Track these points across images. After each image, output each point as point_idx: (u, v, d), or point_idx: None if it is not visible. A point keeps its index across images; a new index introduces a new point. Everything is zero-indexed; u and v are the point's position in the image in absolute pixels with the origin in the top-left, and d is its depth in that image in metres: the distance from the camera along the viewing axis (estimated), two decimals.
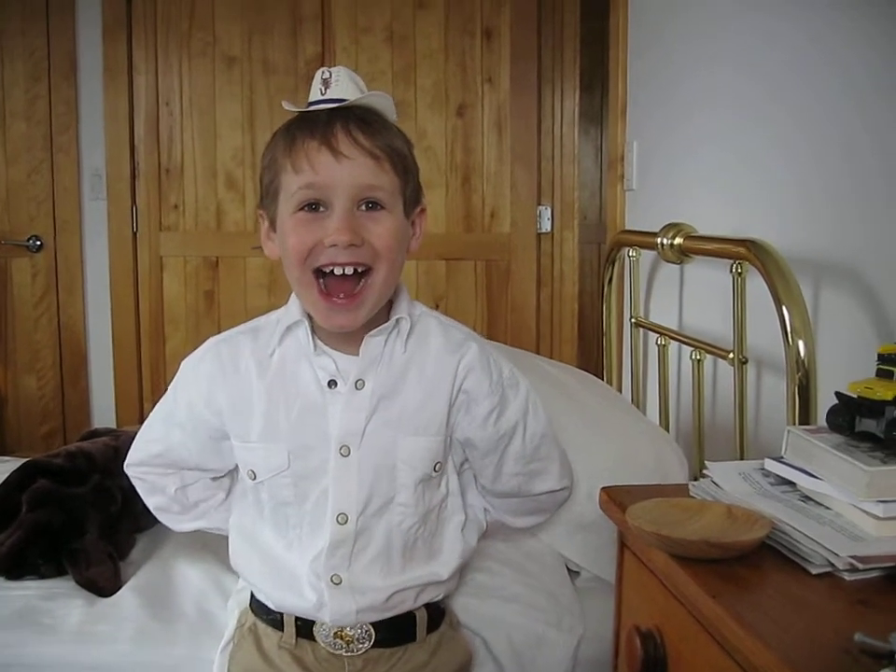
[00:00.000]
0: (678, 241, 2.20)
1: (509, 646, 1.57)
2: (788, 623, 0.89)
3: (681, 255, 2.22)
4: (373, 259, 1.29)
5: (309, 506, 1.38)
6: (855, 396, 1.14)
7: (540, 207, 3.81)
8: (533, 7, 3.72)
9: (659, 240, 2.25)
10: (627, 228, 2.82)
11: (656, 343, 2.41)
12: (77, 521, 1.75)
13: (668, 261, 2.30)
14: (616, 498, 1.27)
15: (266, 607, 1.43)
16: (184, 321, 3.89)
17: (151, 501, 1.56)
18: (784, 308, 1.63)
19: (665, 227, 2.25)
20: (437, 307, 3.76)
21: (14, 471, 1.89)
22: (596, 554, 1.71)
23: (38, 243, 3.84)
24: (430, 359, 1.39)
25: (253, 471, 1.40)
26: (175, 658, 1.54)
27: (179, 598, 1.66)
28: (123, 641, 1.56)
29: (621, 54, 2.85)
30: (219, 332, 1.49)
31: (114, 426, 3.70)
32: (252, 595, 1.47)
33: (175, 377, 1.48)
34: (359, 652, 1.39)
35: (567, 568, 1.77)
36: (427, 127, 3.75)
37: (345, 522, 1.36)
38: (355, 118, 1.27)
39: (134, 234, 3.86)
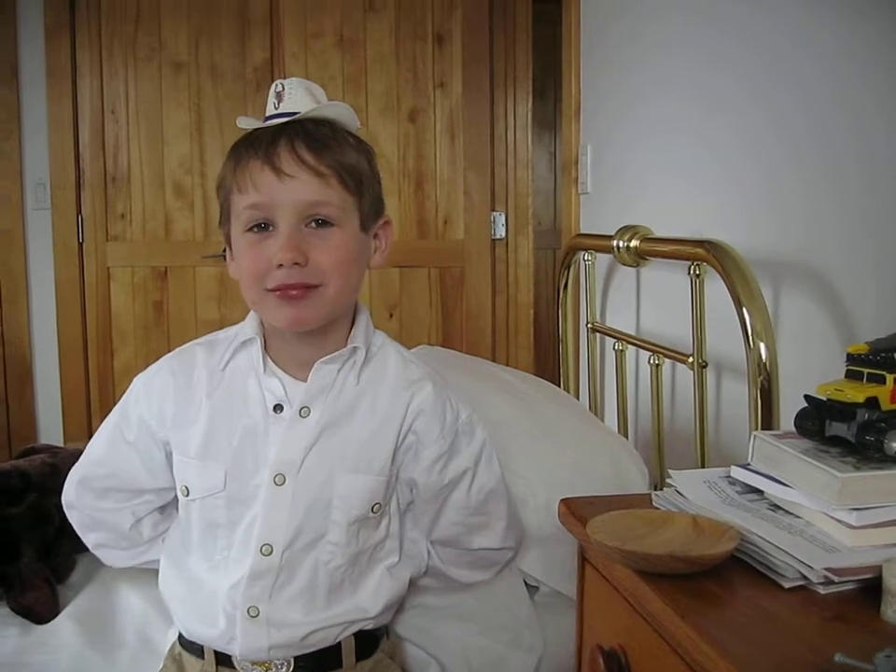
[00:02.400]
0: (634, 243, 2.17)
1: (467, 670, 1.51)
2: (762, 643, 0.83)
3: (638, 257, 2.18)
4: (321, 277, 1.25)
5: (240, 530, 1.32)
6: (825, 399, 1.09)
7: (494, 213, 3.77)
8: (485, 11, 3.68)
9: (615, 243, 2.21)
10: (583, 232, 2.78)
11: (613, 348, 2.37)
12: (12, 543, 1.66)
13: (625, 264, 2.26)
14: (576, 511, 1.21)
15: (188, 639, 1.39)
16: (133, 333, 3.80)
17: (91, 537, 1.50)
18: (745, 310, 1.60)
19: (620, 229, 2.21)
20: (391, 316, 3.71)
21: None
22: (555, 568, 1.65)
23: None
24: (384, 394, 1.35)
25: (187, 487, 1.35)
26: None
27: (120, 625, 1.57)
28: None
29: (573, 56, 2.81)
30: (169, 344, 1.44)
31: (61, 441, 3.61)
32: None
33: (126, 393, 1.43)
34: None
35: (525, 583, 1.70)
36: (379, 133, 3.68)
37: (269, 553, 1.31)
38: (303, 133, 1.24)
39: (80, 244, 3.77)
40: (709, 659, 0.83)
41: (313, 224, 1.25)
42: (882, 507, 1.00)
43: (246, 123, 1.30)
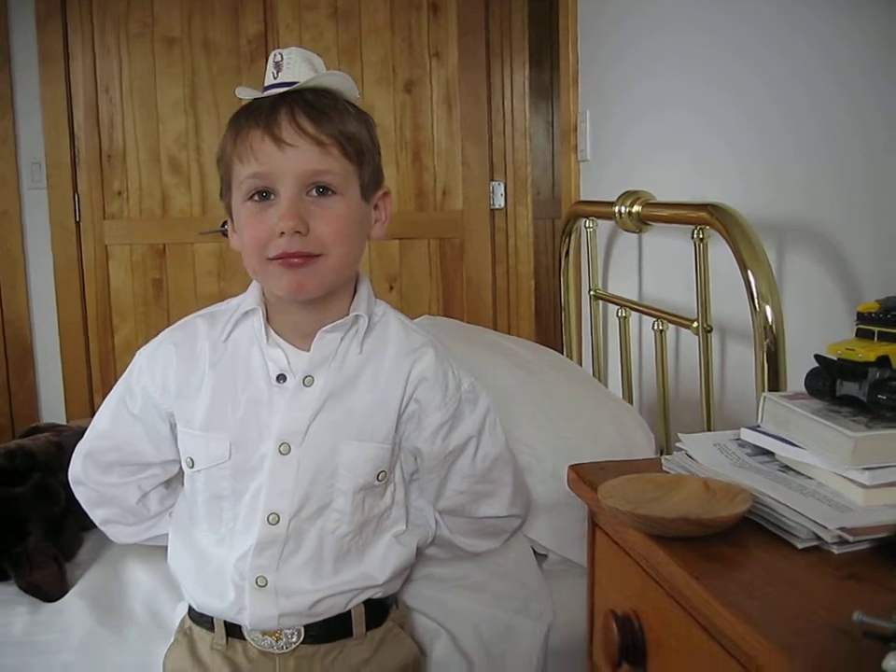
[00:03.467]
0: (636, 209, 2.15)
1: (477, 639, 1.51)
2: (778, 604, 0.83)
3: (640, 223, 2.17)
4: (321, 246, 1.25)
5: (245, 501, 1.33)
6: (835, 358, 1.08)
7: (493, 183, 3.76)
8: None
9: (616, 209, 2.19)
10: (583, 199, 2.76)
11: (617, 314, 2.36)
12: (19, 523, 1.66)
13: (627, 230, 2.25)
14: (585, 477, 1.20)
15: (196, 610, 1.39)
16: (132, 311, 3.79)
17: (98, 513, 1.51)
18: (749, 273, 1.59)
19: (622, 195, 2.20)
20: (391, 288, 3.69)
21: None
22: (563, 536, 1.65)
23: None
24: (386, 362, 1.35)
25: (192, 459, 1.36)
26: (125, 664, 1.46)
27: (129, 600, 1.57)
28: (69, 651, 1.48)
29: (571, 21, 2.79)
30: (169, 321, 1.44)
31: (63, 420, 3.60)
32: None
33: (129, 367, 1.43)
34: (290, 649, 1.34)
35: (534, 551, 1.70)
36: (375, 103, 3.66)
37: (276, 522, 1.31)
38: (302, 102, 1.24)
39: (77, 223, 3.76)
40: (725, 620, 0.83)
41: (314, 192, 1.25)
42: (895, 466, 0.99)
43: (246, 94, 1.29)
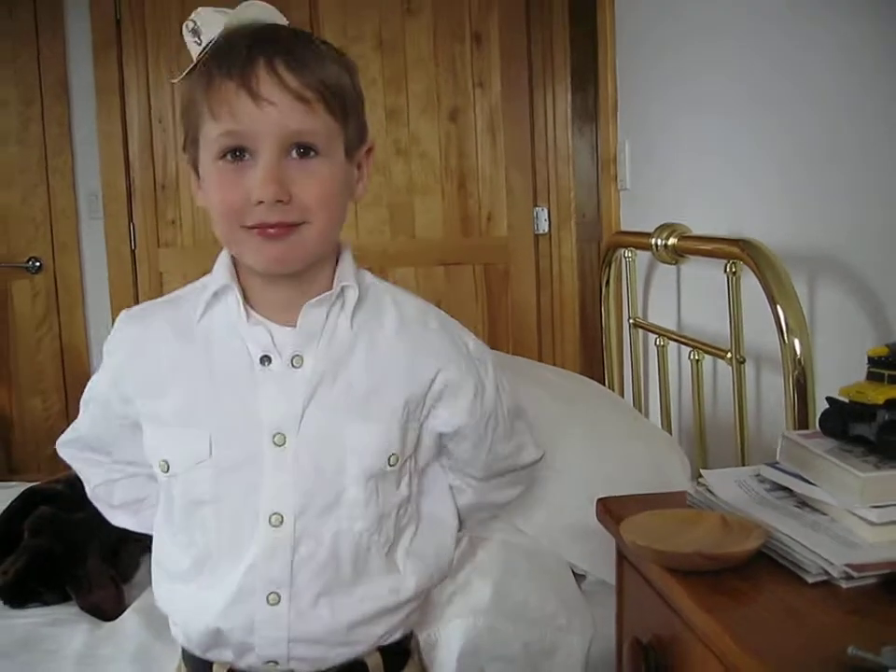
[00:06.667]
0: (671, 241, 2.20)
1: (525, 656, 1.55)
2: (784, 637, 0.88)
3: (676, 255, 2.21)
4: (304, 213, 1.10)
5: (231, 504, 1.16)
6: (846, 400, 1.13)
7: (537, 209, 3.80)
8: (521, 9, 3.70)
9: (653, 241, 2.24)
10: (624, 227, 2.81)
11: (655, 343, 2.41)
12: (79, 546, 1.75)
13: (663, 262, 2.29)
14: (613, 510, 1.26)
15: (193, 655, 1.23)
16: None
17: (87, 488, 1.36)
18: (778, 307, 1.63)
19: (658, 227, 2.24)
20: None
21: (16, 499, 1.91)
22: (600, 558, 1.69)
23: (38, 264, 3.83)
24: (384, 335, 1.19)
25: (166, 461, 1.17)
26: None
27: None
28: (124, 661, 1.55)
29: (609, 54, 2.84)
30: None
31: None
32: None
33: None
34: None
35: (573, 572, 1.76)
36: (421, 133, 3.74)
37: (280, 524, 1.13)
38: (282, 50, 1.07)
39: (133, 252, 3.85)
40: (735, 654, 0.88)
41: (294, 154, 1.10)
42: None
43: (181, 77, 1.15)
